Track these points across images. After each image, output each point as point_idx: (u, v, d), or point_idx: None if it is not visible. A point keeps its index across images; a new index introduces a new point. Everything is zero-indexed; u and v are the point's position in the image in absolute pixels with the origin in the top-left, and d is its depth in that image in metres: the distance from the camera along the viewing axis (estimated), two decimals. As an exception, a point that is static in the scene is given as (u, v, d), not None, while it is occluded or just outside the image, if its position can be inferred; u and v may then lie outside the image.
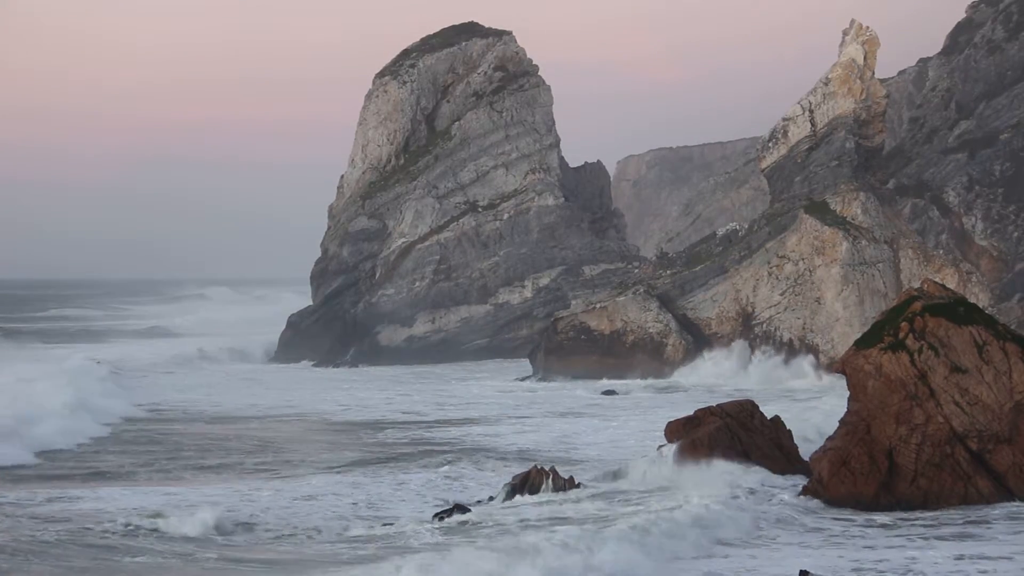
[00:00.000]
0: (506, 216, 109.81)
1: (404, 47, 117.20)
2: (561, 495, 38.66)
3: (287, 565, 30.87)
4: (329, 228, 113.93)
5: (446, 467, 46.83)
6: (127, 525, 34.67)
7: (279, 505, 39.06)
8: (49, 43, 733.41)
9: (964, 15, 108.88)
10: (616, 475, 42.08)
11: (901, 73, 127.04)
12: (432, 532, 34.37)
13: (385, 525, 36.01)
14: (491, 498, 39.71)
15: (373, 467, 47.57)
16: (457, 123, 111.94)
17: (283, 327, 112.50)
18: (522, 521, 35.01)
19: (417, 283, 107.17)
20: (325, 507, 39.01)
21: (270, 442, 55.49)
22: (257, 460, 49.87)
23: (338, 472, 46.43)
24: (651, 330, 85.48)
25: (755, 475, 39.53)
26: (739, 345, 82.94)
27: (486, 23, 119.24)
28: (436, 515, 36.84)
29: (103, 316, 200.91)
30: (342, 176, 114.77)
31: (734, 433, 41.78)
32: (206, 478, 45.44)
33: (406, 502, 40.11)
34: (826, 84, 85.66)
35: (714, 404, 43.78)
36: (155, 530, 34.30)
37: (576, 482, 40.35)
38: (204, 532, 34.36)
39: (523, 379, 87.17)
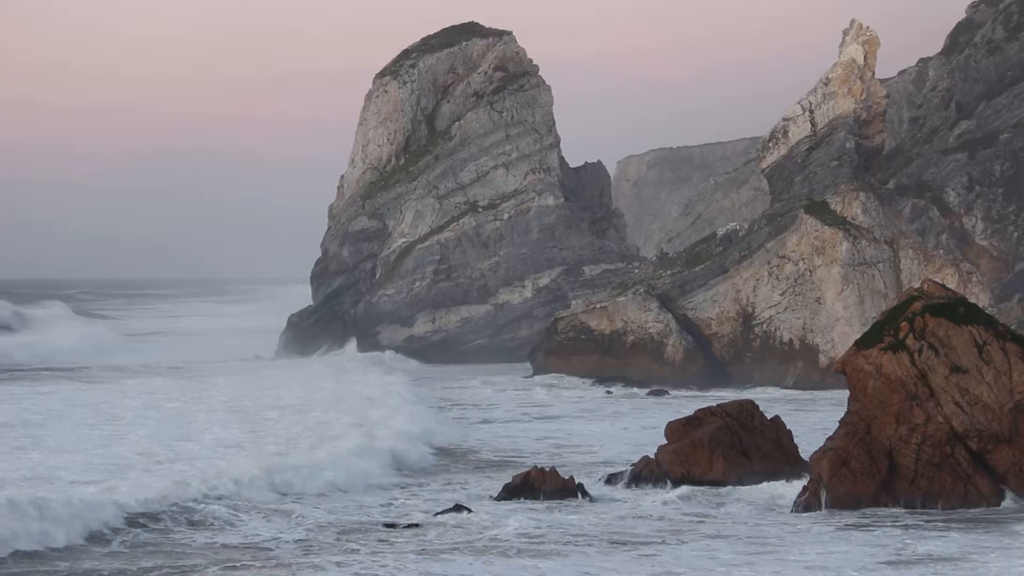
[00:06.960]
0: (506, 216, 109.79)
1: (404, 47, 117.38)
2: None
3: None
4: (329, 228, 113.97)
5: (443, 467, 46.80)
6: None
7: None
8: (49, 36, 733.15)
9: (964, 15, 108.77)
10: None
11: (901, 73, 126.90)
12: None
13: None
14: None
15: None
16: (457, 123, 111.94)
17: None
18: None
19: (417, 283, 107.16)
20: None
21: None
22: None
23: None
24: (651, 330, 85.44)
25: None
26: None
27: (486, 21, 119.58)
28: (436, 514, 36.74)
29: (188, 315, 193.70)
30: (342, 176, 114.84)
31: (734, 433, 41.84)
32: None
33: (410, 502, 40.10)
34: (826, 84, 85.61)
35: (714, 404, 43.87)
36: None
37: (576, 482, 40.30)
38: None
39: (523, 379, 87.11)
